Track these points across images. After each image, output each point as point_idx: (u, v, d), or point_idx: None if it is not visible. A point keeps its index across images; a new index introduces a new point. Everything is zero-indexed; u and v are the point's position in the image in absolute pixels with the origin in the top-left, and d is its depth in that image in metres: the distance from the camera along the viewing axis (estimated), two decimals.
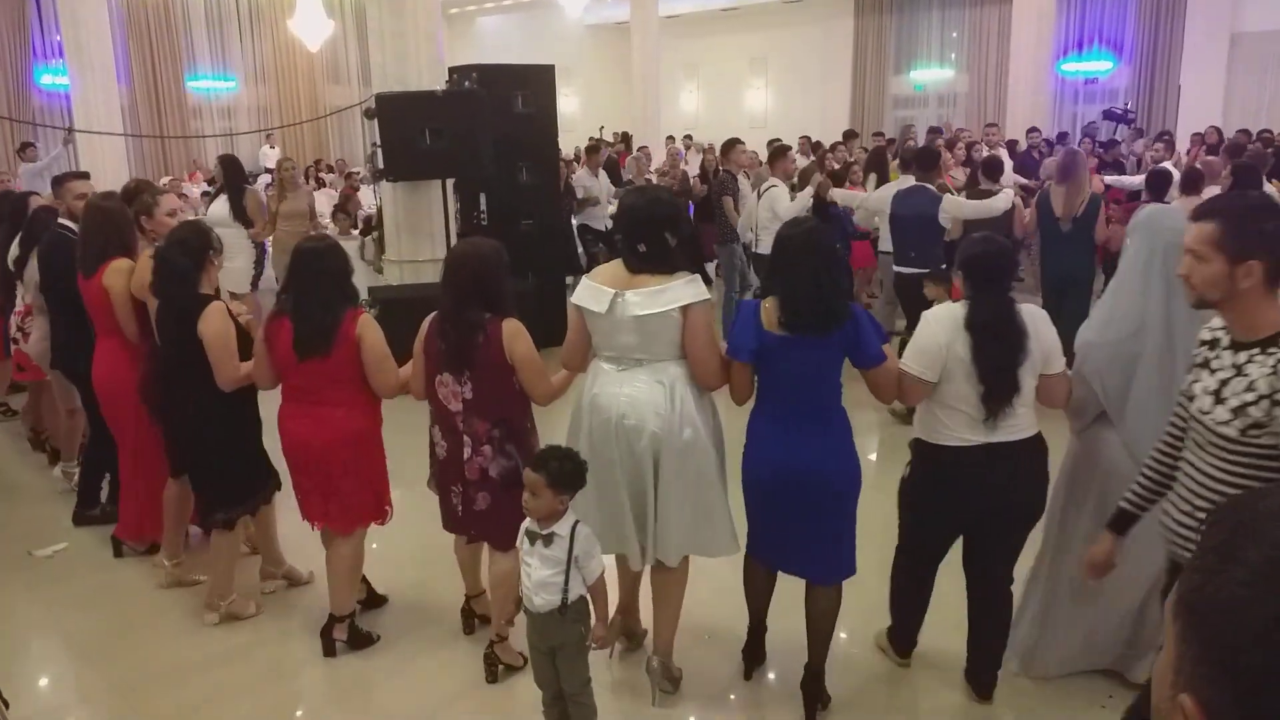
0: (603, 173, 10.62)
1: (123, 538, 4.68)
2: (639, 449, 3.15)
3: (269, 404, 3.83)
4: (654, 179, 11.45)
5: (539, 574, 2.94)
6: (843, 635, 3.63)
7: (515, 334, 3.35)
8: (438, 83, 7.70)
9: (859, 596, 3.44)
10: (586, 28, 22.17)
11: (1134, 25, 16.65)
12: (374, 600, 4.10)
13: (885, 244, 6.98)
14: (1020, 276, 7.08)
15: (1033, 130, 12.48)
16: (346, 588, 3.80)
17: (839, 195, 7.54)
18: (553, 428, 3.70)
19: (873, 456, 5.73)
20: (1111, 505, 2.76)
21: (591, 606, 3.02)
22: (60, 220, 5.08)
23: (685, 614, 3.47)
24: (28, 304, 5.45)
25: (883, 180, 8.43)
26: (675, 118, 19.61)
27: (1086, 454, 3.22)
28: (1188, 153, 11.25)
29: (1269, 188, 7.35)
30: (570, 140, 10.77)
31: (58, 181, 5.76)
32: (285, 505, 4.08)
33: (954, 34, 18.83)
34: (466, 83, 7.78)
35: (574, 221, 10.33)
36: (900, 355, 3.18)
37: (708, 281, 3.28)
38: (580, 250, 10.23)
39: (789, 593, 3.37)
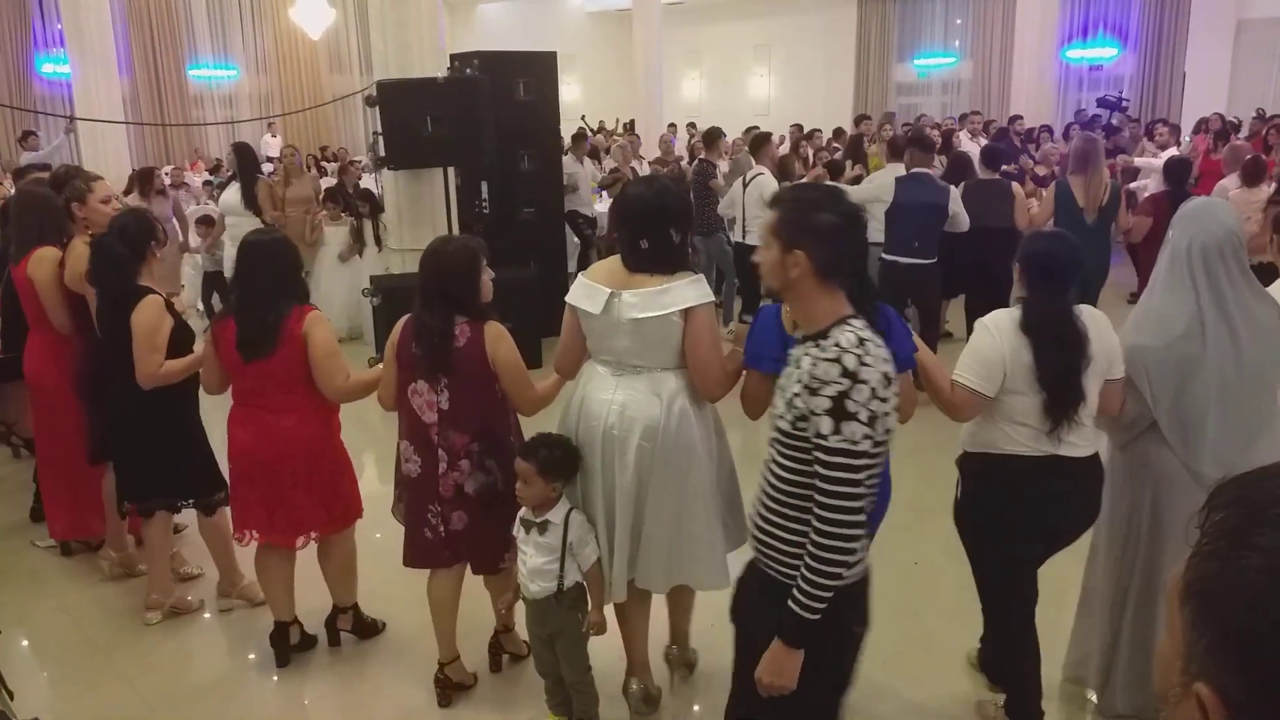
0: (587, 160, 10.57)
1: (61, 538, 4.54)
2: (623, 463, 2.88)
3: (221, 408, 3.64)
4: (644, 167, 11.35)
5: (534, 561, 2.95)
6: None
7: (498, 338, 3.09)
8: (439, 70, 7.68)
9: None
10: (588, 15, 22.09)
11: (1139, 12, 16.57)
12: (365, 630, 3.84)
13: (874, 234, 6.87)
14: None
15: (1016, 117, 12.43)
16: (347, 579, 3.75)
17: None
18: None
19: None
20: (1167, 521, 2.66)
21: (588, 594, 3.02)
22: None
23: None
24: None
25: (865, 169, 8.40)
26: (678, 106, 19.55)
27: (1140, 470, 2.93)
28: (1190, 139, 11.17)
29: None
30: (572, 129, 10.68)
31: (20, 174, 5.64)
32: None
33: (958, 21, 18.77)
34: (468, 70, 7.76)
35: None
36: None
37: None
38: (573, 236, 10.21)
39: None
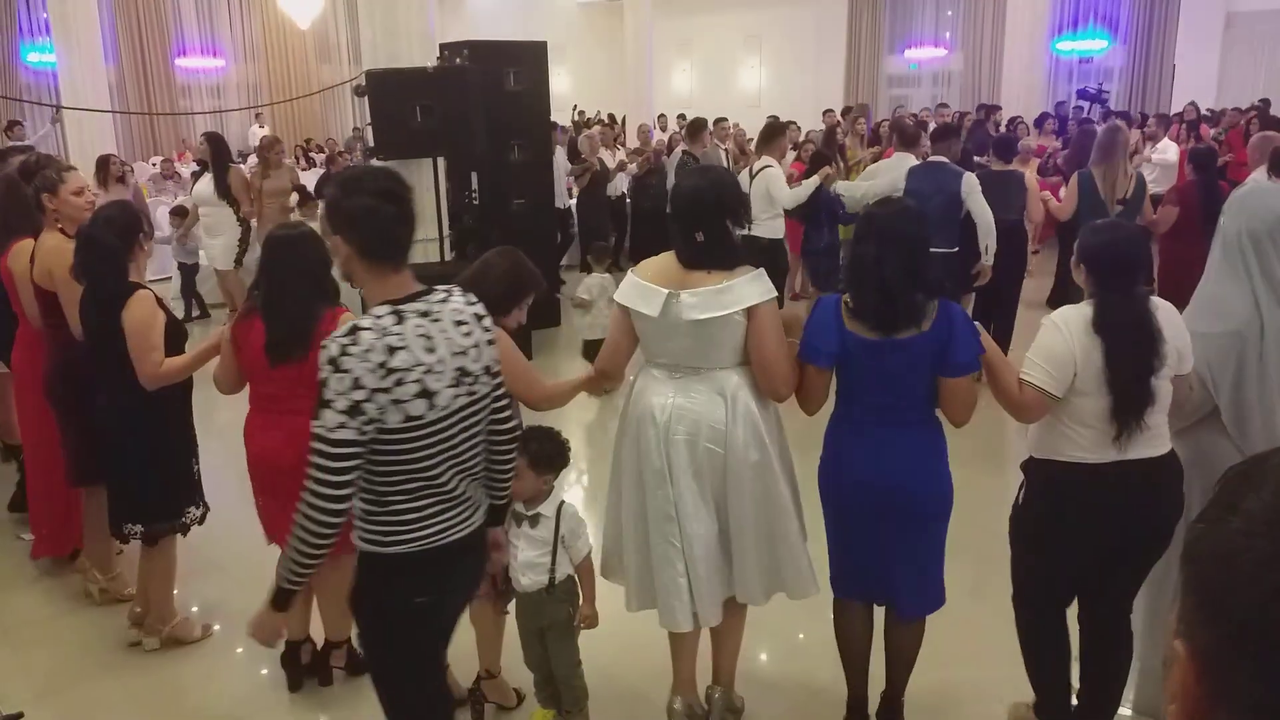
0: (560, 150, 10.52)
1: (41, 556, 4.30)
2: (692, 470, 2.74)
3: (234, 410, 3.43)
4: (615, 158, 11.28)
5: (525, 555, 2.94)
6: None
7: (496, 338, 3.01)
8: (429, 60, 7.62)
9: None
10: (579, 5, 22.01)
11: (1129, 4, 16.62)
12: (360, 666, 3.49)
13: None
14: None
15: (994, 108, 12.45)
16: (341, 611, 3.35)
17: (842, 188, 7.43)
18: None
19: None
20: None
21: (579, 587, 3.02)
22: None
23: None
24: None
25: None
26: (668, 97, 19.49)
27: (1198, 460, 2.81)
28: (1168, 130, 11.07)
29: None
30: (562, 120, 10.63)
31: (1, 156, 5.54)
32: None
33: (949, 12, 18.77)
34: (458, 60, 7.72)
35: None
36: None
37: None
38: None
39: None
